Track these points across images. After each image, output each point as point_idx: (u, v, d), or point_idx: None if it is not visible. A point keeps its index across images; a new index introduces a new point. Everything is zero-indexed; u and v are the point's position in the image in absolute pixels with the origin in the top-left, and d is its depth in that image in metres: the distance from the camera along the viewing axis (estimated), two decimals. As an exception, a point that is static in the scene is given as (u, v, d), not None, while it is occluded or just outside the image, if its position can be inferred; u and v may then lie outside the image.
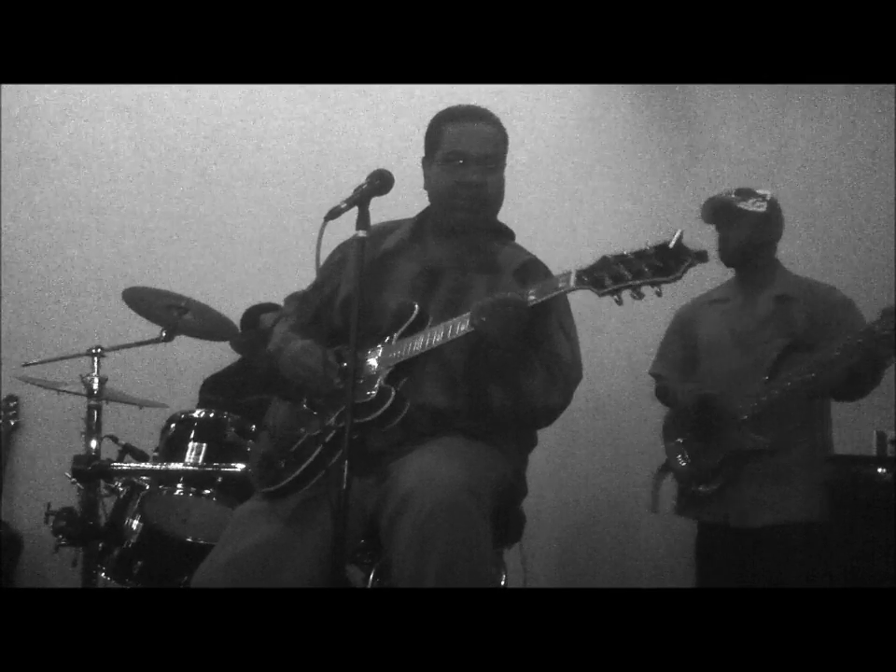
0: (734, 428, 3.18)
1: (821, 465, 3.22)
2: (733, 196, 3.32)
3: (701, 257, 1.93)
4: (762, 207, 3.27)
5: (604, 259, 2.01)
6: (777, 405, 3.13)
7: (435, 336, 2.27)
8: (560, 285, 2.10)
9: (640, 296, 1.99)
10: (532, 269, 2.52)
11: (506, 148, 2.53)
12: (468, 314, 2.22)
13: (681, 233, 1.95)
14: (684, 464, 3.37)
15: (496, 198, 2.52)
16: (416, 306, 2.38)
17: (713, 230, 3.34)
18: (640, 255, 1.97)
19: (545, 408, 2.43)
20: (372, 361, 2.34)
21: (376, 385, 2.26)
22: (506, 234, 2.63)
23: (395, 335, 2.35)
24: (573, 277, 2.06)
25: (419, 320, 2.35)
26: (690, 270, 1.95)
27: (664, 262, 1.94)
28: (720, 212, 3.33)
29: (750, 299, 3.36)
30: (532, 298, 2.14)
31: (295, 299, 2.72)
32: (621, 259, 1.99)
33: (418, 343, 2.29)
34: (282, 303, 2.79)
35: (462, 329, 2.22)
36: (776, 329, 3.25)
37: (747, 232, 3.28)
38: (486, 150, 2.47)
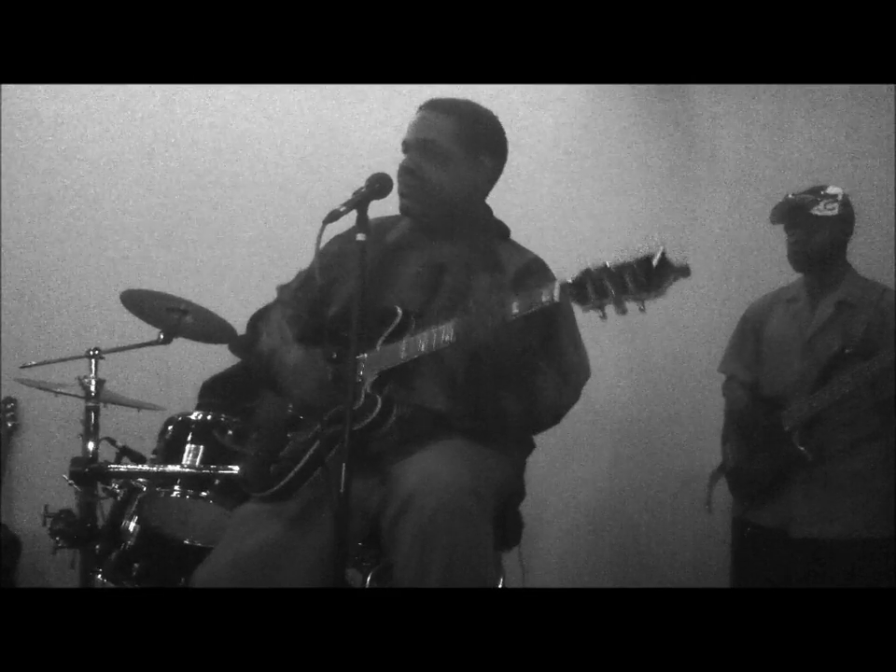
0: (780, 436, 3.15)
1: (890, 477, 3.11)
2: (806, 198, 3.24)
3: (684, 272, 1.92)
4: (833, 210, 3.20)
5: (587, 272, 1.99)
6: (825, 415, 3.08)
7: (420, 344, 2.26)
8: (543, 298, 2.09)
9: (624, 311, 1.97)
10: (534, 269, 2.52)
11: (464, 141, 2.48)
12: (451, 322, 2.21)
13: (664, 249, 1.92)
14: (735, 467, 3.35)
15: (441, 187, 2.47)
16: (399, 310, 2.37)
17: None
18: (623, 268, 1.94)
19: (557, 408, 2.44)
20: (358, 369, 2.31)
21: (362, 393, 2.26)
22: (502, 231, 2.62)
23: (379, 340, 2.35)
24: (556, 290, 2.06)
25: (403, 324, 2.35)
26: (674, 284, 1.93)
27: (647, 277, 1.92)
28: (791, 215, 3.26)
29: (814, 302, 3.29)
30: (516, 311, 2.13)
31: (289, 289, 2.70)
32: (604, 271, 1.97)
33: (402, 352, 2.28)
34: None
35: (446, 339, 2.21)
36: (833, 337, 3.17)
37: (819, 238, 3.22)
38: (425, 136, 2.47)
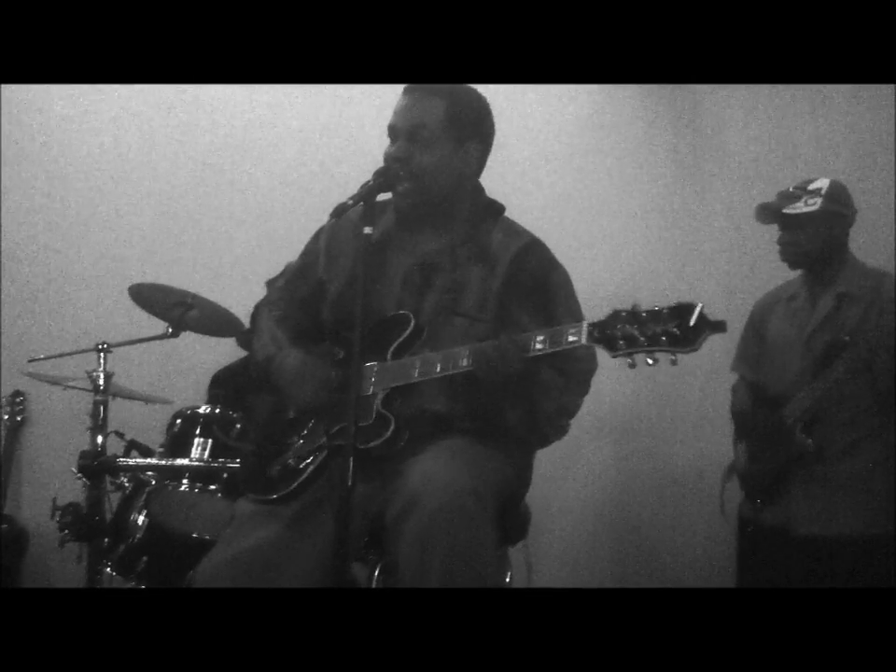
0: (783, 432, 3.14)
1: (890, 477, 3.08)
2: (788, 194, 3.18)
3: (720, 327, 1.88)
4: (815, 205, 3.12)
5: (615, 315, 1.95)
6: (825, 415, 3.07)
7: (436, 366, 2.22)
8: (570, 339, 2.06)
9: (655, 361, 1.93)
10: (533, 254, 2.46)
11: (452, 128, 2.39)
12: (468, 348, 2.19)
13: (701, 307, 1.87)
14: (744, 466, 3.34)
15: (432, 175, 2.38)
16: (412, 319, 2.33)
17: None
18: (654, 316, 1.90)
19: (561, 413, 2.41)
20: (368, 381, 2.28)
21: (373, 411, 2.25)
22: (496, 210, 2.53)
23: (389, 351, 2.31)
24: (584, 332, 2.02)
25: (414, 334, 2.32)
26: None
27: (680, 330, 1.86)
28: (775, 216, 3.22)
29: (814, 297, 3.25)
30: (539, 347, 2.11)
31: (276, 285, 2.66)
32: (633, 316, 1.92)
33: (415, 370, 2.25)
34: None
35: (463, 364, 2.18)
36: (832, 332, 3.12)
37: (806, 235, 3.16)
38: (411, 122, 2.37)
